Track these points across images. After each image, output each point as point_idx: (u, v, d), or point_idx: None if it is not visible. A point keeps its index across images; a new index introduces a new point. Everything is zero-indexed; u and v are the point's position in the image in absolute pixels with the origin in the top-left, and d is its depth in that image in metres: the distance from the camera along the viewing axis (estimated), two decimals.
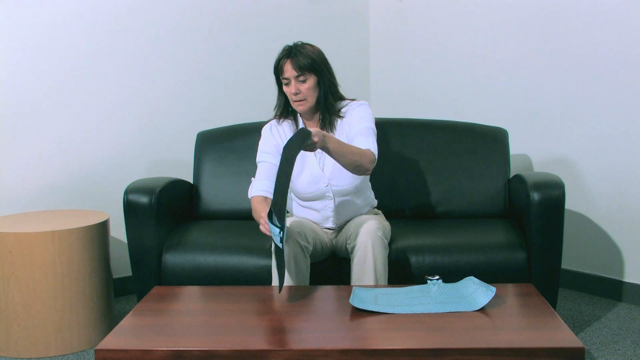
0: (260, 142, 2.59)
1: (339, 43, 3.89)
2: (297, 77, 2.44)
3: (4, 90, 3.12)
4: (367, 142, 2.42)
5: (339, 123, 2.53)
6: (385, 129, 3.06)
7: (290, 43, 2.52)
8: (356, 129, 2.48)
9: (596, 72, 3.16)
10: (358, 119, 2.50)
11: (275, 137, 2.57)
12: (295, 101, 2.47)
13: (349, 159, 2.28)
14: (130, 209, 2.67)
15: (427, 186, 3.02)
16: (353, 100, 2.59)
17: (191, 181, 3.14)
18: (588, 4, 3.15)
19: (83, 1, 3.25)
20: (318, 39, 3.78)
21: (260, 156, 2.56)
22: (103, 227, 2.84)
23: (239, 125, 3.26)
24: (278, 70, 2.49)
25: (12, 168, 3.16)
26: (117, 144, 3.39)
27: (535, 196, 2.56)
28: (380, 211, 2.75)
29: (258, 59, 3.73)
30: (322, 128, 2.53)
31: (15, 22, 3.11)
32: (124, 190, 2.74)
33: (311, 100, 2.47)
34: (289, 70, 2.44)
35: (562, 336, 1.81)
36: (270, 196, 2.44)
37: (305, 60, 2.43)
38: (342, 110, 2.55)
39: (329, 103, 2.51)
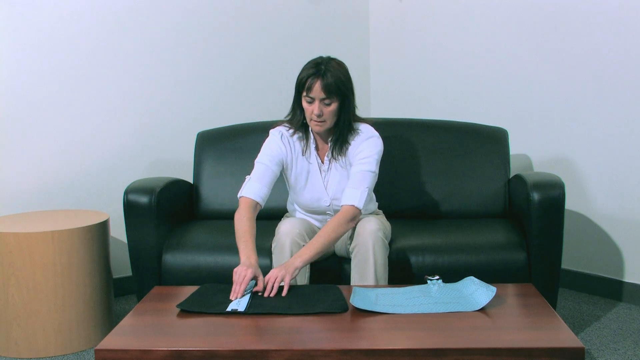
0: (266, 144, 2.52)
1: (339, 43, 3.89)
2: (323, 99, 2.36)
3: (4, 91, 3.12)
4: (354, 195, 2.38)
5: (347, 148, 2.49)
6: (385, 129, 3.05)
7: (317, 57, 2.43)
8: (354, 171, 2.44)
9: (596, 72, 3.16)
10: (361, 158, 2.44)
11: (285, 145, 2.50)
12: (315, 121, 2.40)
13: (338, 237, 2.33)
14: (130, 209, 2.67)
15: (427, 186, 3.02)
16: (365, 123, 2.53)
17: (191, 181, 3.13)
18: (588, 4, 3.15)
19: (83, 1, 3.25)
20: (318, 39, 3.78)
21: (261, 157, 2.50)
22: (103, 227, 2.84)
23: (239, 125, 3.26)
24: (304, 87, 2.37)
25: (12, 168, 3.16)
26: (117, 144, 3.39)
27: (535, 196, 2.56)
28: (380, 211, 2.75)
29: (258, 59, 3.74)
30: (332, 150, 2.49)
31: (15, 22, 3.11)
32: (124, 190, 2.73)
33: (330, 122, 2.42)
34: (317, 91, 2.35)
35: (562, 336, 1.81)
36: (261, 201, 2.42)
37: (334, 82, 2.34)
38: (352, 135, 2.48)
39: (346, 127, 2.45)
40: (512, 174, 3.04)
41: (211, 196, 3.06)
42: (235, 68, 3.68)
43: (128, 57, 3.38)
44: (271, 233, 2.46)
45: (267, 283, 2.14)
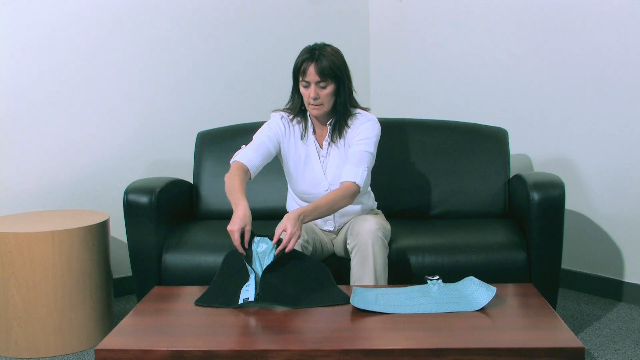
0: (267, 123, 2.56)
1: (339, 43, 3.85)
2: (318, 82, 2.41)
3: (4, 91, 3.12)
4: (355, 172, 2.41)
5: (346, 131, 2.52)
6: (385, 129, 3.05)
7: (311, 44, 2.48)
8: (352, 151, 2.47)
9: (596, 72, 3.16)
10: (360, 139, 2.48)
11: (285, 126, 2.54)
12: (312, 104, 2.45)
13: (336, 209, 2.37)
14: (130, 209, 2.67)
15: (427, 186, 3.02)
16: (365, 110, 2.56)
17: (191, 181, 3.14)
18: (588, 4, 3.15)
19: (83, 1, 3.25)
20: (318, 39, 3.78)
21: (260, 133, 2.53)
22: (103, 227, 2.84)
23: (239, 125, 3.26)
24: (299, 72, 2.44)
25: (13, 168, 3.16)
26: (117, 144, 3.39)
27: (535, 196, 2.56)
28: (380, 211, 2.75)
29: (258, 59, 3.74)
30: (331, 134, 2.52)
31: (15, 22, 3.11)
32: (124, 190, 2.74)
33: (327, 106, 2.46)
34: (311, 74, 2.40)
35: (562, 336, 1.81)
36: (252, 169, 2.43)
37: (328, 66, 2.39)
38: (351, 119, 2.52)
39: (343, 111, 2.49)
40: (512, 174, 3.04)
41: (211, 196, 3.06)
42: (235, 68, 3.68)
43: (128, 57, 3.38)
44: (271, 233, 2.45)
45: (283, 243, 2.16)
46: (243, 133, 3.17)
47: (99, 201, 3.33)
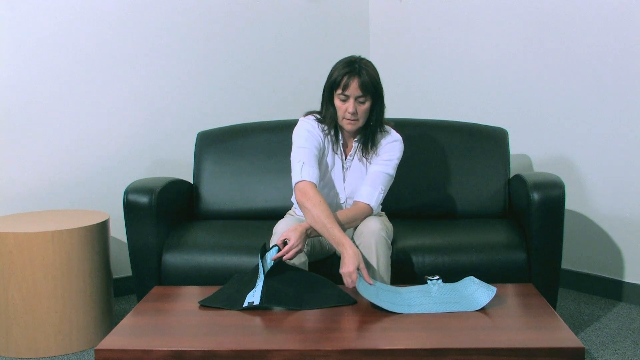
0: (307, 132, 2.46)
1: (339, 43, 3.89)
2: (358, 97, 2.37)
3: (4, 91, 3.11)
4: (371, 194, 2.43)
5: (373, 149, 2.50)
6: None
7: (348, 57, 2.43)
8: (372, 170, 2.47)
9: (596, 72, 3.16)
10: (383, 160, 2.48)
11: (322, 136, 2.48)
12: (348, 119, 2.41)
13: (345, 229, 2.35)
14: (130, 209, 2.67)
15: (427, 186, 3.02)
16: (390, 125, 2.55)
17: (191, 181, 3.13)
18: (588, 4, 3.15)
19: (83, 1, 3.25)
20: (318, 39, 3.78)
21: (307, 144, 2.43)
22: (103, 227, 2.84)
23: (239, 125, 3.26)
24: (339, 85, 2.37)
25: (12, 168, 3.16)
26: (117, 144, 3.39)
27: (535, 196, 2.56)
28: (383, 212, 2.74)
29: (258, 59, 3.74)
30: (361, 150, 2.50)
31: (16, 22, 3.11)
32: (124, 190, 2.74)
33: (362, 121, 2.43)
34: (354, 89, 2.35)
35: (562, 336, 1.81)
36: (318, 185, 2.38)
37: (370, 81, 2.36)
38: (380, 135, 2.50)
39: (375, 127, 2.47)
40: (512, 174, 3.04)
41: (211, 196, 3.06)
42: (235, 68, 3.68)
43: (128, 57, 3.38)
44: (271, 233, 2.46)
45: (283, 251, 2.20)
46: (243, 133, 3.17)
47: (99, 201, 3.33)
